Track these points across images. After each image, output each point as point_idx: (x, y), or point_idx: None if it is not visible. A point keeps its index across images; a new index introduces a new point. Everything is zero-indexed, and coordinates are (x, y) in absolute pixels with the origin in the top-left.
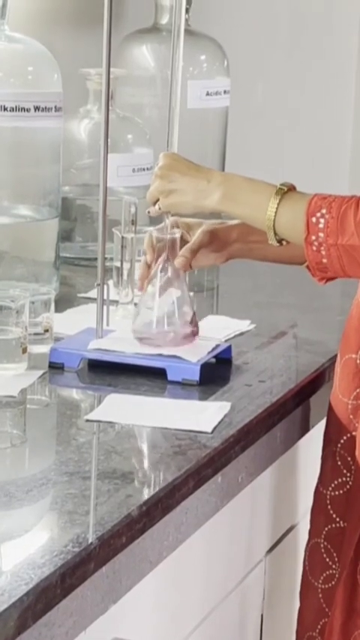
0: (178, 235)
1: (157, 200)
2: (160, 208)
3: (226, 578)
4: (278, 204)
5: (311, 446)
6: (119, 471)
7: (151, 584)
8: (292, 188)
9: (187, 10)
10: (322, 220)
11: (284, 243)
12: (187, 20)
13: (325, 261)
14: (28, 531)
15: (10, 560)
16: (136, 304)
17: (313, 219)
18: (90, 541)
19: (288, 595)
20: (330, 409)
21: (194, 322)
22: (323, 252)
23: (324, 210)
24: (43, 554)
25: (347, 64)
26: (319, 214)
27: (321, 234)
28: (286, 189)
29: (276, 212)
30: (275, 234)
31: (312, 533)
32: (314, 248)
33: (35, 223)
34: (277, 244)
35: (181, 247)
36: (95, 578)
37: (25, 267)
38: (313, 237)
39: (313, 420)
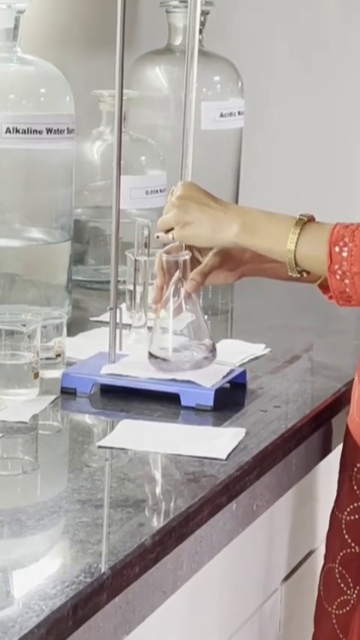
0: (188, 257)
1: (170, 229)
2: (173, 237)
3: (242, 608)
4: (299, 234)
5: (331, 470)
6: (132, 499)
7: (165, 615)
8: (311, 219)
9: (200, 31)
10: (345, 249)
11: (304, 274)
12: (200, 41)
13: (348, 290)
14: (39, 561)
15: (21, 590)
16: (149, 328)
17: (336, 249)
18: (102, 571)
19: (306, 623)
20: (347, 433)
21: (211, 345)
22: (347, 282)
23: (347, 239)
24: (55, 584)
25: None
26: (342, 243)
27: (344, 263)
28: (305, 219)
29: (296, 243)
30: (296, 265)
31: (327, 557)
32: (338, 277)
33: (47, 246)
34: (298, 275)
35: (192, 267)
36: (108, 609)
37: (37, 290)
38: (337, 267)
39: (330, 445)
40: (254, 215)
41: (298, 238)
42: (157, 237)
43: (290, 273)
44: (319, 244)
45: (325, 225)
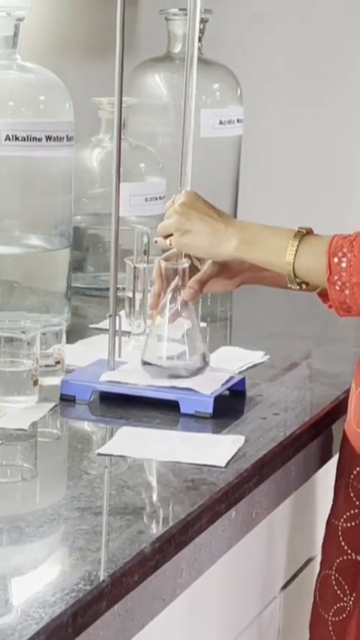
0: (187, 265)
1: (170, 234)
2: (170, 244)
3: (241, 616)
4: (297, 246)
5: (330, 477)
6: (131, 507)
7: (165, 623)
8: (309, 231)
9: (199, 39)
10: (344, 259)
11: (304, 286)
12: (200, 48)
13: (348, 300)
14: (38, 568)
15: (20, 598)
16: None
17: (335, 259)
18: (102, 579)
19: (304, 630)
20: (344, 440)
21: (205, 354)
22: (347, 292)
23: (345, 250)
24: (54, 592)
25: None
26: (340, 254)
27: (344, 274)
28: (304, 231)
29: (295, 255)
30: (295, 277)
31: (323, 564)
32: (337, 288)
33: (46, 253)
34: (298, 287)
35: (191, 275)
36: (107, 617)
37: (37, 297)
38: (336, 277)
39: (329, 453)
40: (253, 229)
41: (296, 250)
42: (156, 241)
43: (290, 285)
44: (318, 255)
45: (324, 236)
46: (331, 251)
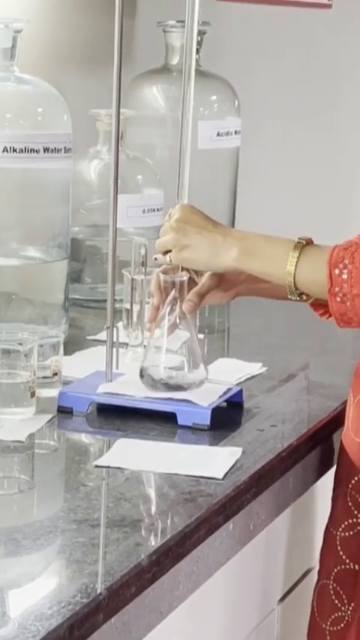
0: (185, 278)
1: (168, 250)
2: (170, 260)
3: (238, 628)
4: (298, 257)
5: (328, 488)
6: (128, 519)
7: (162, 636)
8: (309, 242)
9: (197, 51)
10: (345, 271)
11: (304, 297)
12: (197, 60)
13: (349, 312)
14: (35, 580)
15: (17, 610)
16: (145, 347)
17: (336, 271)
18: (99, 591)
19: None
20: (342, 449)
21: (203, 366)
22: (348, 304)
23: (346, 261)
24: (51, 604)
25: None
26: (341, 265)
27: (345, 286)
28: (304, 242)
29: (296, 266)
30: (296, 288)
31: (321, 574)
32: (338, 299)
33: (44, 265)
34: (298, 299)
35: (189, 288)
36: (104, 630)
37: (34, 309)
38: (337, 289)
39: (328, 464)
40: (252, 239)
41: (297, 261)
42: (155, 259)
43: (290, 296)
44: (319, 267)
45: (324, 247)
46: (332, 262)
